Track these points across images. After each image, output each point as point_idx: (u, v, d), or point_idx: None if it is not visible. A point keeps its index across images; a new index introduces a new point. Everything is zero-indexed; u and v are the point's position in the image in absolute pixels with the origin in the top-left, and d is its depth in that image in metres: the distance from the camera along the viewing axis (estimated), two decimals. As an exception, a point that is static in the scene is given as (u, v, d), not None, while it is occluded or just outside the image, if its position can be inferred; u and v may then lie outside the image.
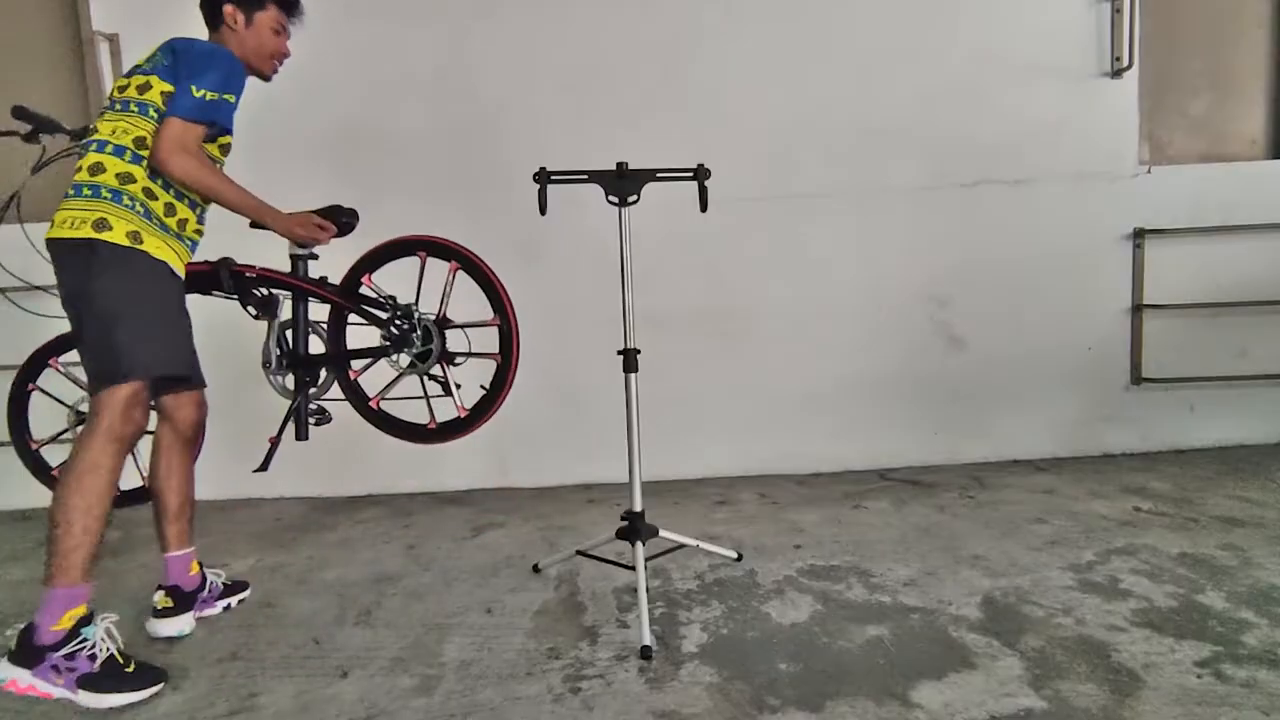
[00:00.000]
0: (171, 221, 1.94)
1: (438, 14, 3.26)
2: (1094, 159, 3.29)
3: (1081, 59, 3.26)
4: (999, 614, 1.97)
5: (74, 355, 1.99)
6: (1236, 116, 3.43)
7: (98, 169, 1.84)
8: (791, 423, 3.36)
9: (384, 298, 2.26)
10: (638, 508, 2.15)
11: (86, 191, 1.83)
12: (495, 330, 2.23)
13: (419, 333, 2.22)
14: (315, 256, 2.27)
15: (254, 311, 2.21)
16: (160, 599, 2.09)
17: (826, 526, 2.67)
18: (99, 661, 1.71)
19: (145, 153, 1.87)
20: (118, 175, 1.85)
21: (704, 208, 2.19)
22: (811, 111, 3.27)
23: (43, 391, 2.46)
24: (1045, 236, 3.31)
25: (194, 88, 1.86)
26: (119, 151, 1.86)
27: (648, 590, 2.03)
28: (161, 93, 1.88)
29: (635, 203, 2.14)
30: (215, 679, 1.83)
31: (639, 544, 2.08)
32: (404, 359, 2.26)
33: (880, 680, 1.69)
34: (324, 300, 2.28)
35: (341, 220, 2.20)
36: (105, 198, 1.83)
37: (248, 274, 2.17)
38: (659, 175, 2.15)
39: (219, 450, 3.29)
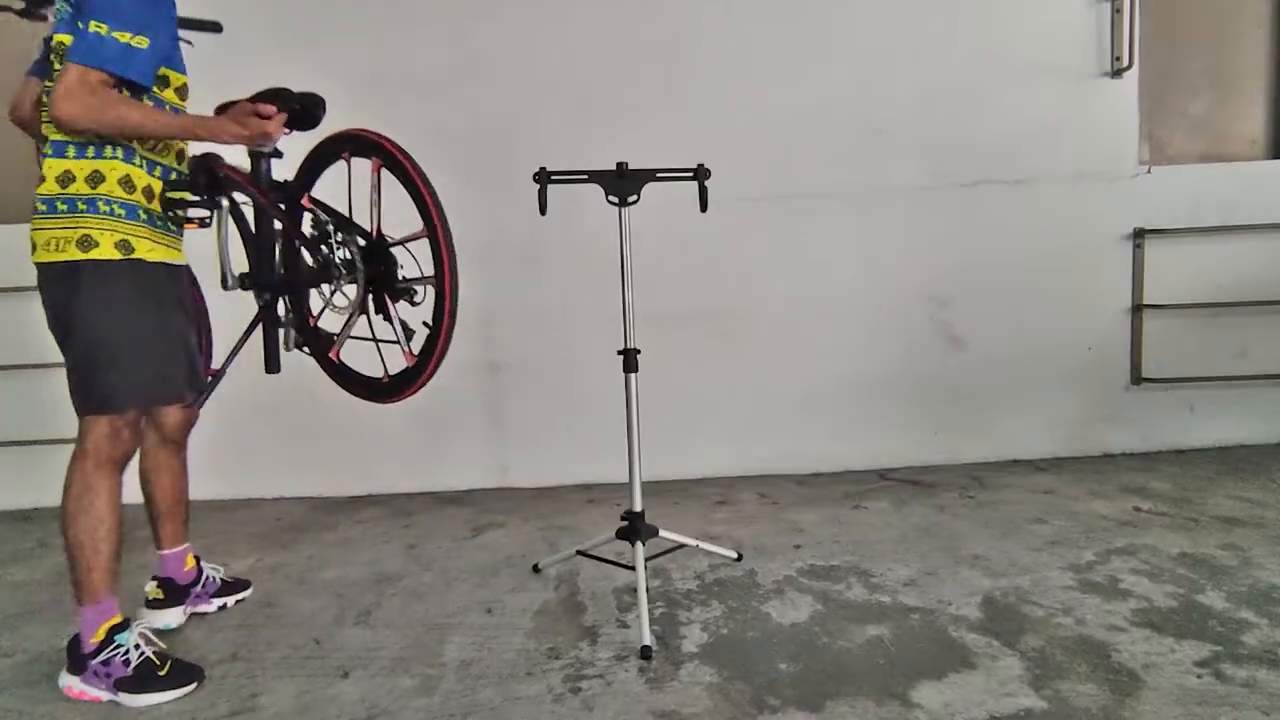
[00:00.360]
0: (155, 206, 1.81)
1: (438, 14, 3.26)
2: (1094, 159, 3.28)
3: (1081, 59, 3.26)
4: (999, 614, 1.97)
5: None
6: (1236, 116, 3.43)
7: (67, 178, 1.70)
8: (791, 423, 3.36)
9: (313, 210, 1.89)
10: (638, 508, 2.15)
11: (61, 206, 1.70)
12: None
13: (339, 256, 1.85)
14: (278, 154, 1.97)
15: (175, 216, 1.84)
16: (152, 589, 2.10)
17: (826, 526, 2.67)
18: (133, 665, 1.75)
19: (60, 135, 1.70)
20: (88, 178, 1.71)
21: (704, 208, 2.19)
22: (811, 111, 3.27)
23: None
24: (1045, 236, 3.30)
25: (85, 23, 1.61)
26: (59, 149, 1.71)
27: (648, 590, 2.03)
28: (55, 47, 1.68)
29: (635, 203, 2.14)
30: (216, 679, 1.83)
31: (639, 544, 2.08)
32: (339, 294, 1.90)
33: (880, 680, 1.69)
34: (260, 209, 1.97)
35: (293, 107, 1.85)
36: (82, 210, 1.70)
37: (219, 173, 1.90)
38: (659, 175, 2.15)
39: (219, 449, 3.30)
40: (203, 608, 2.17)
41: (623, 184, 2.13)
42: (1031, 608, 1.99)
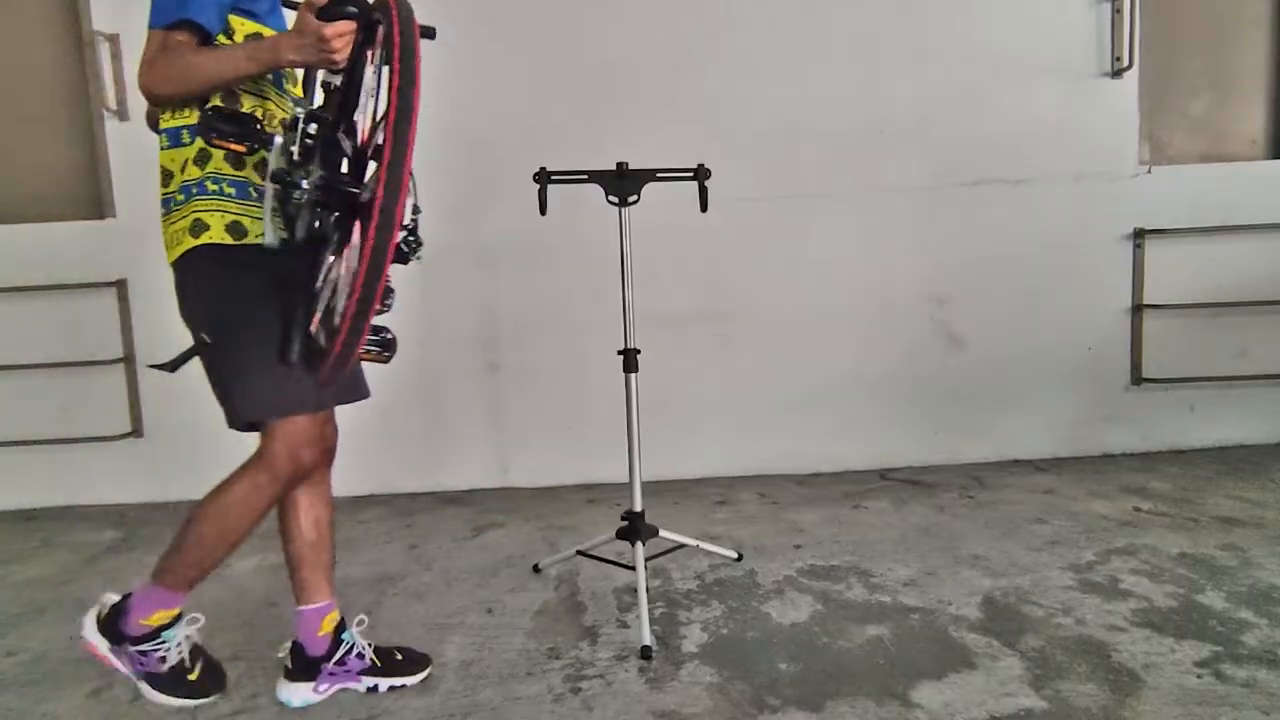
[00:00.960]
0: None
1: (436, 17, 3.25)
2: (1094, 159, 3.28)
3: (1081, 59, 3.26)
4: (999, 614, 1.97)
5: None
6: (1236, 116, 3.43)
7: (182, 166, 1.57)
8: (791, 423, 3.36)
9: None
10: (638, 508, 2.15)
11: (179, 198, 1.57)
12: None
13: (293, 150, 1.41)
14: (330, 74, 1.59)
15: (211, 123, 1.42)
16: (286, 655, 1.80)
17: (826, 526, 2.68)
18: (168, 665, 1.67)
19: (174, 121, 1.57)
20: (195, 159, 1.56)
21: (704, 208, 2.19)
22: (811, 111, 3.28)
23: None
24: (1045, 236, 3.31)
25: None
26: (175, 137, 1.57)
27: (648, 590, 2.04)
28: None
29: (635, 203, 2.14)
30: (216, 679, 1.83)
31: (639, 544, 2.09)
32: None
33: (880, 680, 1.69)
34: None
35: (372, 19, 1.40)
36: (193, 194, 1.55)
37: None
38: (659, 175, 2.15)
39: (220, 449, 3.30)
40: (351, 686, 1.77)
41: (623, 184, 2.13)
42: (1031, 608, 1.99)
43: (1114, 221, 3.31)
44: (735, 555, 2.40)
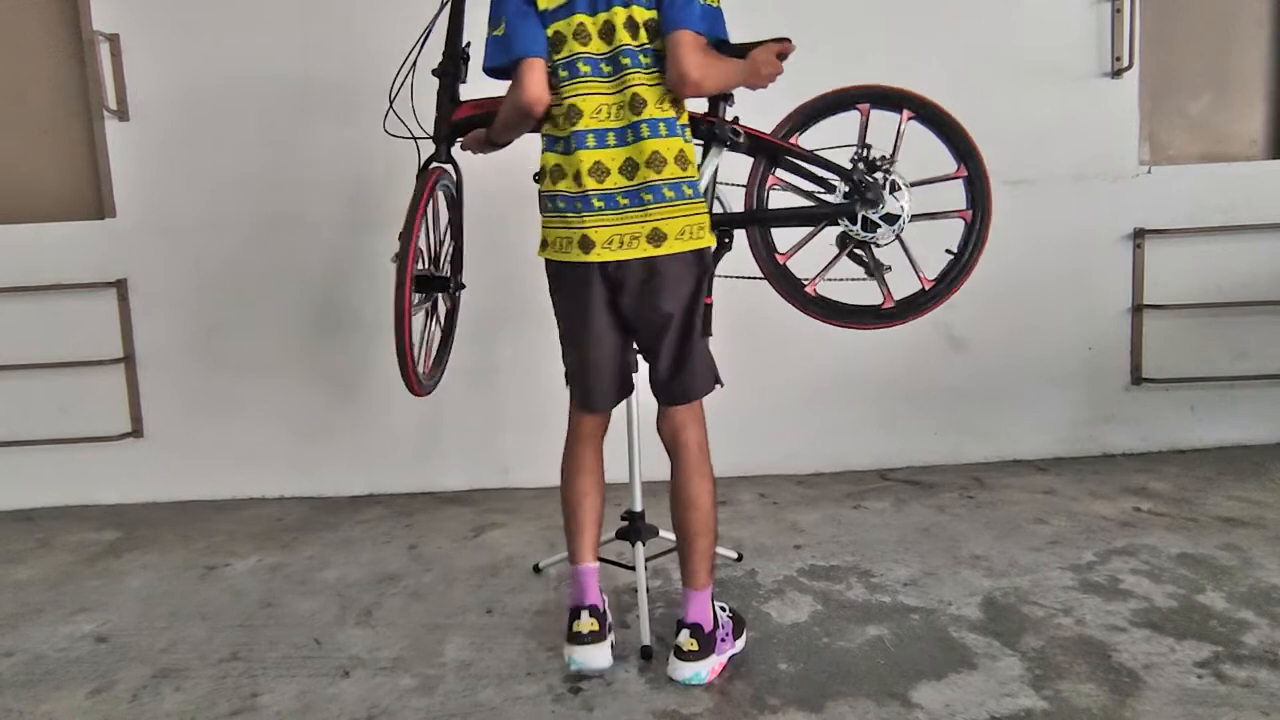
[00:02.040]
0: None
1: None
2: (1094, 159, 3.28)
3: (1081, 59, 3.26)
4: (999, 614, 1.97)
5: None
6: (1236, 116, 3.43)
7: (684, 160, 1.70)
8: (791, 423, 3.36)
9: (860, 153, 2.13)
10: (638, 508, 2.15)
11: (688, 190, 1.69)
12: (961, 183, 2.25)
13: (882, 191, 2.09)
14: (731, 100, 2.08)
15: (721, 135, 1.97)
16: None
17: (826, 526, 2.67)
18: (728, 613, 1.86)
19: (673, 113, 1.70)
20: (678, 159, 1.69)
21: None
22: (811, 112, 3.27)
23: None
24: (1045, 237, 3.30)
25: None
26: (672, 127, 1.68)
27: (648, 590, 2.04)
28: (646, 23, 1.67)
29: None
30: (216, 679, 1.83)
31: (639, 544, 2.09)
32: (848, 226, 2.08)
33: (880, 680, 1.70)
34: (759, 146, 2.11)
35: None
36: (690, 194, 1.70)
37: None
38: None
39: (220, 448, 3.30)
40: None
41: (624, 184, 2.14)
42: (1032, 608, 1.99)
43: (1114, 221, 3.30)
44: (735, 555, 2.40)
